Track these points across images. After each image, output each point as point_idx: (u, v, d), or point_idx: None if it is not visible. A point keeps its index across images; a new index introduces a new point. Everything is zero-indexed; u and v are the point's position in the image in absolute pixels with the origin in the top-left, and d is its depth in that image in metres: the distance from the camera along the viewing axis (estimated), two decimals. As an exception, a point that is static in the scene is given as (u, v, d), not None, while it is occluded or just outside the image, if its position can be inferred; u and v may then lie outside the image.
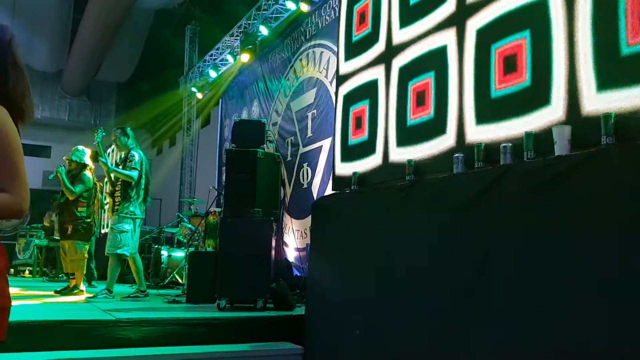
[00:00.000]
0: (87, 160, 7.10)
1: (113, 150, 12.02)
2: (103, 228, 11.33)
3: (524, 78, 3.00)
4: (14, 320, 3.59)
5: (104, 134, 6.40)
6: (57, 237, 10.14)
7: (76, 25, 13.84)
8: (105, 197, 6.68)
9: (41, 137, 15.24)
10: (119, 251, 5.97)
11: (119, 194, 6.14)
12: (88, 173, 7.00)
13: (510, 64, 3.08)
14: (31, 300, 5.82)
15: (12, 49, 1.88)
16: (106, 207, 7.83)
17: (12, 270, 11.67)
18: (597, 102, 2.60)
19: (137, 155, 6.20)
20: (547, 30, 2.88)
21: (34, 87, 15.68)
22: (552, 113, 2.81)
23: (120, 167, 6.21)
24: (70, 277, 7.18)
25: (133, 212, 6.07)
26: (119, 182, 6.15)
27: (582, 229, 2.38)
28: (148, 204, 6.36)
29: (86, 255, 6.98)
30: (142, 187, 6.19)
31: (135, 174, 6.06)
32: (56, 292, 6.80)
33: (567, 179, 2.46)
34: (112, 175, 6.23)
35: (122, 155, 6.51)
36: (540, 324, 2.49)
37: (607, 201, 2.30)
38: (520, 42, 3.04)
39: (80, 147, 7.17)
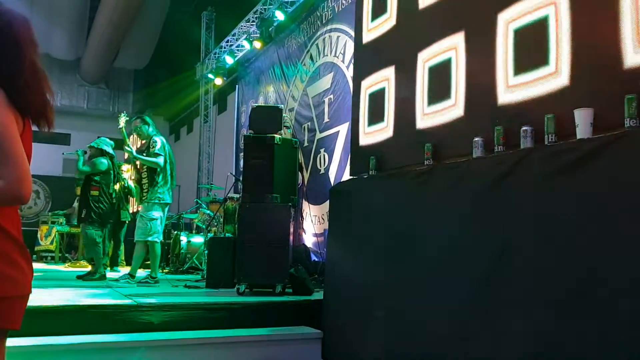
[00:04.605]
0: (106, 147, 7.13)
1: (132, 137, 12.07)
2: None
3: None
4: (38, 306, 3.66)
5: (127, 118, 6.40)
6: (76, 223, 10.24)
7: (93, 12, 13.90)
8: (133, 184, 6.63)
9: (60, 124, 15.08)
10: (149, 238, 6.04)
11: (146, 181, 6.17)
12: (103, 159, 7.03)
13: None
14: (54, 285, 5.89)
15: (18, 41, 1.73)
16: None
17: (34, 256, 11.85)
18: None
19: (159, 141, 6.22)
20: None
21: (52, 75, 15.81)
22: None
23: (145, 154, 6.22)
24: (91, 262, 7.24)
25: (162, 198, 6.11)
26: (144, 169, 6.18)
27: (606, 213, 2.35)
28: (174, 187, 6.38)
29: (97, 240, 6.88)
30: (168, 171, 6.21)
31: (160, 160, 6.09)
32: (78, 277, 6.87)
33: (591, 162, 2.43)
34: (137, 162, 6.28)
35: (144, 143, 6.53)
36: (560, 309, 2.47)
37: (631, 184, 2.26)
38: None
39: (105, 138, 7.27)
